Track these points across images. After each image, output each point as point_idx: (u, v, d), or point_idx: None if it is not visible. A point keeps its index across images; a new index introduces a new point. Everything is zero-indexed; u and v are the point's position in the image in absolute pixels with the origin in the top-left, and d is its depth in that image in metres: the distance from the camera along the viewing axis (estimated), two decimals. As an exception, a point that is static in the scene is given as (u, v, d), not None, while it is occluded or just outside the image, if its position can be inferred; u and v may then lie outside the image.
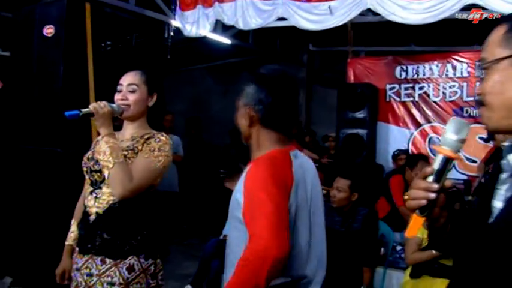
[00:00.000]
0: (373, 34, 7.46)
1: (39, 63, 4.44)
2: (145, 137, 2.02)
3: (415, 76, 6.34)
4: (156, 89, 2.12)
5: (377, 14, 5.22)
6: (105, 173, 1.90)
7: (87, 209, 1.99)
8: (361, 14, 5.24)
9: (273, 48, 8.86)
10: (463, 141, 1.09)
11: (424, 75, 6.28)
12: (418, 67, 6.31)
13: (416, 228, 1.09)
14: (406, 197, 1.29)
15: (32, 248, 4.33)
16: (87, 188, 2.04)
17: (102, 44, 4.61)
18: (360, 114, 6.13)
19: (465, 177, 5.84)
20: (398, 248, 3.94)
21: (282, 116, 1.68)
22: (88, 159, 2.05)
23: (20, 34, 4.74)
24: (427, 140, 6.24)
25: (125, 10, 6.16)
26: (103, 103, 1.96)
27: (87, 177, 2.04)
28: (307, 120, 9.40)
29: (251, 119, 1.67)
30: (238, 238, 1.55)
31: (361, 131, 6.10)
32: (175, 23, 6.41)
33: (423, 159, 4.61)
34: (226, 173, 3.93)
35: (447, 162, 1.09)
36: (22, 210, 4.42)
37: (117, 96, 2.06)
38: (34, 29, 4.49)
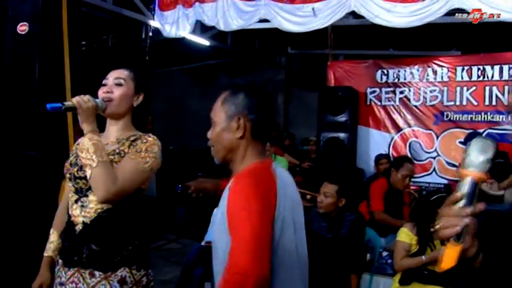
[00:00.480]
0: (352, 37, 7.47)
1: (12, 62, 4.25)
2: (131, 138, 1.87)
3: (396, 80, 6.33)
4: (143, 89, 1.98)
5: (359, 17, 5.20)
6: (88, 172, 1.74)
7: (72, 218, 1.84)
8: (343, 17, 5.19)
9: (252, 50, 8.78)
10: (489, 160, 1.06)
11: (404, 79, 6.28)
12: (398, 71, 6.30)
13: (455, 258, 1.02)
14: (437, 227, 1.20)
15: (4, 255, 4.13)
16: (71, 196, 1.88)
17: (82, 43, 4.46)
18: (341, 118, 6.10)
19: (445, 182, 5.88)
20: (384, 253, 3.88)
21: (268, 126, 1.60)
22: (71, 164, 1.88)
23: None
24: (408, 144, 6.24)
25: (102, 9, 6.00)
26: (86, 97, 1.81)
27: (70, 184, 1.88)
28: (285, 123, 9.37)
29: (244, 129, 1.53)
30: (225, 246, 1.43)
31: (342, 135, 6.07)
32: (153, 23, 6.27)
33: (408, 160, 4.59)
34: (203, 176, 3.83)
35: (476, 184, 1.06)
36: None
37: (101, 90, 1.91)
38: (7, 26, 4.30)
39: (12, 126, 4.17)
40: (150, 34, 6.46)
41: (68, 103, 1.79)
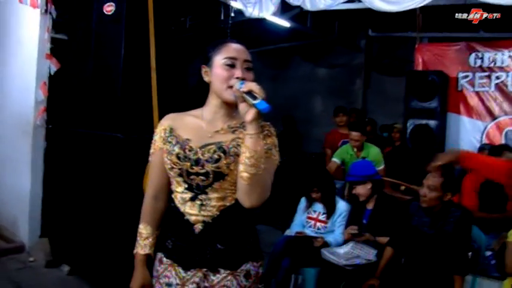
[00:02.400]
0: (440, 19, 7.00)
1: (98, 43, 4.24)
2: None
3: (492, 64, 5.87)
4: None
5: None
6: (244, 175, 1.53)
7: (187, 217, 1.67)
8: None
9: (331, 32, 8.45)
10: None
11: (502, 63, 5.80)
12: (495, 54, 5.83)
13: None
14: None
15: (89, 237, 4.16)
16: (182, 192, 1.69)
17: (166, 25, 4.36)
18: (430, 104, 5.75)
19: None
20: (488, 253, 3.57)
21: None
22: (179, 158, 1.67)
23: (78, 13, 4.55)
24: (504, 133, 5.78)
25: (181, -10, 5.90)
26: (257, 86, 1.52)
27: (179, 179, 1.69)
28: (363, 109, 9.00)
29: None
30: None
31: (432, 122, 5.71)
32: (234, 4, 6.11)
33: (508, 149, 4.23)
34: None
35: None
36: (80, 198, 4.26)
37: (229, 73, 1.64)
38: (93, 6, 4.27)
39: (99, 108, 4.16)
40: (232, 15, 6.31)
41: (259, 99, 1.50)
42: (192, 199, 1.67)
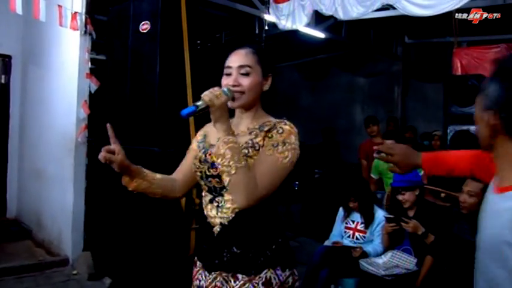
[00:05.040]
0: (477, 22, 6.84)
1: (134, 60, 4.36)
2: (265, 128, 1.68)
3: (534, 65, 5.65)
4: (270, 70, 1.79)
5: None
6: (225, 179, 1.57)
7: (209, 219, 1.73)
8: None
9: (367, 41, 8.40)
10: None
11: (545, 64, 5.58)
12: (539, 55, 5.61)
13: None
14: None
15: (130, 250, 4.24)
16: (204, 195, 1.77)
17: (198, 41, 4.45)
18: (471, 109, 5.56)
19: None
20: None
21: None
22: (200, 162, 1.75)
23: (115, 32, 4.69)
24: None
25: (215, 6, 6.01)
26: (217, 90, 1.60)
27: (202, 183, 1.77)
28: (402, 116, 8.86)
29: (492, 127, 1.25)
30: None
31: (473, 128, 5.53)
32: (268, 17, 6.17)
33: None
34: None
35: None
36: (121, 212, 4.35)
37: (225, 81, 1.71)
38: (129, 25, 4.41)
39: (137, 124, 4.26)
40: (266, 28, 6.37)
41: (199, 103, 1.58)
42: (211, 201, 1.72)
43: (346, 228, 4.05)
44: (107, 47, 5.03)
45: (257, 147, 1.65)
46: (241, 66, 1.71)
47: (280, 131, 1.66)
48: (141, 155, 4.16)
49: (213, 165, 1.69)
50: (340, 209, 4.17)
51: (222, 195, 1.69)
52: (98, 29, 4.94)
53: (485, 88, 1.29)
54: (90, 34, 4.85)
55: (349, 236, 4.01)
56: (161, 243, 3.93)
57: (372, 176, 5.24)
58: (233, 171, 1.54)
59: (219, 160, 1.57)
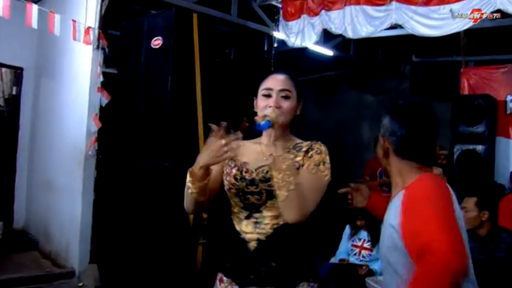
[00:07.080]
0: (484, 41, 6.88)
1: (146, 75, 4.42)
2: (304, 149, 1.78)
3: (542, 86, 5.69)
4: (301, 95, 1.89)
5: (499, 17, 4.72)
6: (282, 194, 1.60)
7: (243, 235, 1.77)
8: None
9: (375, 59, 8.46)
10: None
11: (553, 85, 5.63)
12: (546, 76, 5.66)
13: None
14: None
15: (137, 263, 4.27)
16: (238, 211, 1.80)
17: (213, 57, 4.51)
18: (477, 129, 5.61)
19: None
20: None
21: (417, 147, 1.65)
22: (236, 179, 1.79)
23: (128, 47, 4.77)
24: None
25: (225, 22, 6.09)
26: (276, 110, 1.71)
27: (236, 199, 1.80)
28: (409, 135, 8.86)
29: (385, 150, 1.70)
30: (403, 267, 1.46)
31: (479, 147, 5.57)
32: (277, 34, 6.24)
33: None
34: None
35: None
36: (128, 225, 4.39)
37: (265, 102, 1.78)
38: (142, 41, 4.48)
39: (146, 138, 4.32)
40: (275, 45, 6.43)
41: (268, 118, 1.66)
42: (247, 217, 1.77)
43: (353, 246, 4.07)
44: (120, 61, 5.11)
45: (297, 166, 1.73)
46: (282, 90, 1.80)
47: (319, 151, 1.77)
48: (151, 169, 4.22)
49: (252, 182, 1.75)
50: (347, 226, 4.19)
51: (260, 212, 1.74)
52: (109, 43, 5.02)
53: (382, 120, 1.72)
54: (103, 48, 4.92)
55: (355, 254, 4.03)
56: (168, 257, 3.96)
57: None
58: (292, 187, 1.59)
59: (279, 175, 1.60)
